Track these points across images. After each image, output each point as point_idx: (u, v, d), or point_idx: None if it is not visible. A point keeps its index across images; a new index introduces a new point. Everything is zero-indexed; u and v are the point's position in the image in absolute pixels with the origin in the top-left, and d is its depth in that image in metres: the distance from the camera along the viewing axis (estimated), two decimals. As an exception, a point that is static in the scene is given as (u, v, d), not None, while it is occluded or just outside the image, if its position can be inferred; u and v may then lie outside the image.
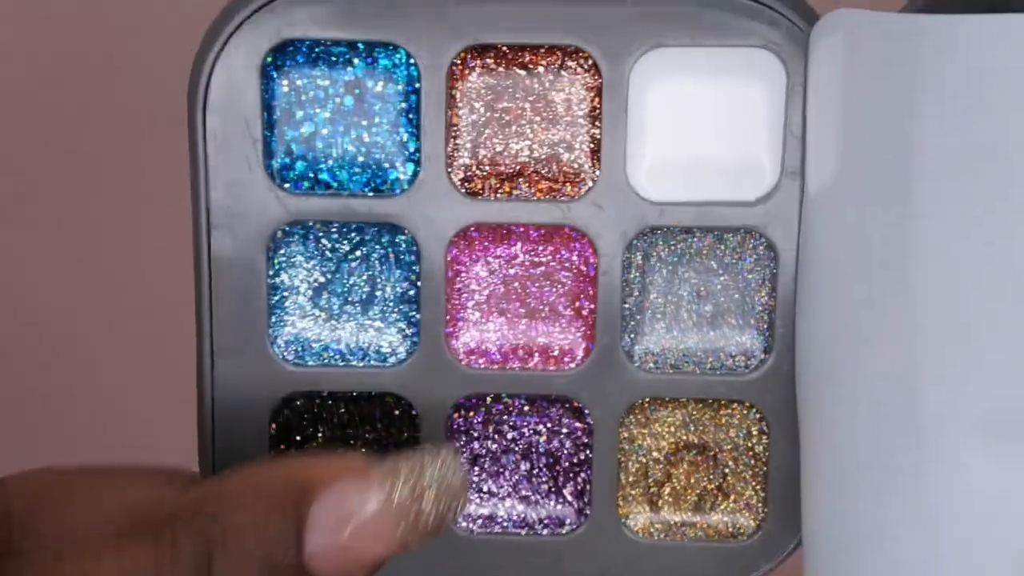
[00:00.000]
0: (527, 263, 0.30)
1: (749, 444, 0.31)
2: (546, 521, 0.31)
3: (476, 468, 0.31)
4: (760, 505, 0.31)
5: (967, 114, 0.24)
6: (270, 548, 0.25)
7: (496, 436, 0.31)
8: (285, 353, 0.30)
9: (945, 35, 0.24)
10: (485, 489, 0.31)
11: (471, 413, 0.31)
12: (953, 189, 0.25)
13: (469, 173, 0.29)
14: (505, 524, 0.31)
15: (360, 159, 0.29)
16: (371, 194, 0.29)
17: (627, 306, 0.30)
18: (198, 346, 0.30)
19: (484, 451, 0.31)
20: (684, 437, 0.31)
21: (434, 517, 0.26)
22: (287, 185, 0.29)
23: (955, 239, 0.25)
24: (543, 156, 0.29)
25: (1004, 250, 0.25)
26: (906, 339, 0.26)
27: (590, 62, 0.29)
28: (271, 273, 0.30)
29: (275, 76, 0.29)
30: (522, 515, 0.31)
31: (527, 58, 0.29)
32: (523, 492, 0.31)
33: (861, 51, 0.26)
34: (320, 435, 0.31)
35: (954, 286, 0.26)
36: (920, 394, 0.26)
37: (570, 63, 0.29)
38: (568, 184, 0.29)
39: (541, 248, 0.30)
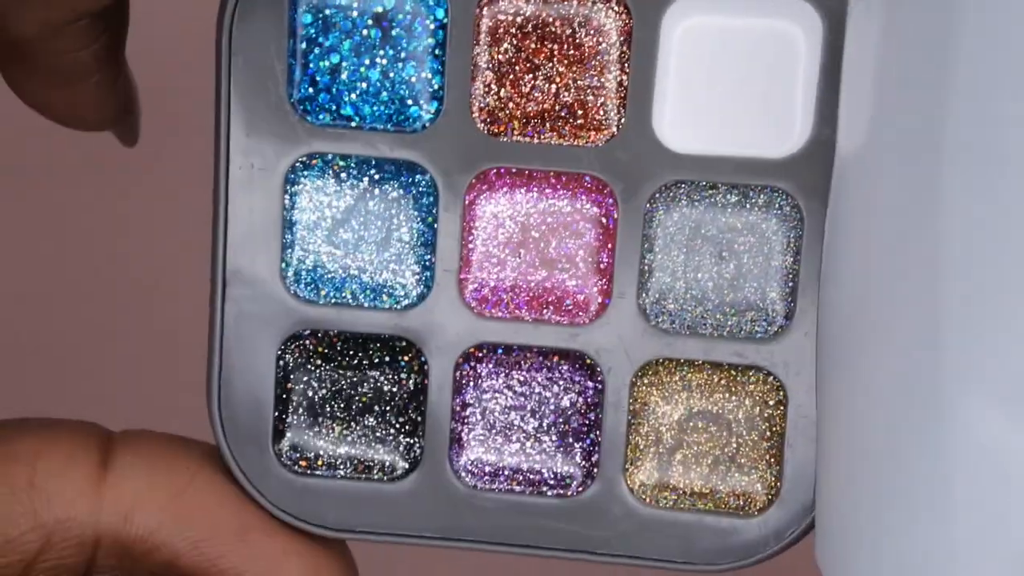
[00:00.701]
0: (547, 211, 0.29)
1: (766, 414, 0.30)
2: (552, 481, 0.30)
3: (483, 421, 0.30)
4: (773, 479, 0.30)
5: (1012, 31, 0.23)
6: None
7: (505, 390, 0.30)
8: (296, 288, 0.29)
9: None
10: (492, 444, 0.30)
11: (480, 364, 0.30)
12: (989, 128, 0.24)
13: (492, 114, 0.29)
14: (510, 482, 0.30)
15: (384, 94, 0.29)
16: (393, 130, 0.29)
17: (646, 261, 0.29)
18: (211, 274, 0.29)
19: (493, 404, 0.30)
20: (698, 403, 0.30)
21: None
22: (309, 116, 0.29)
23: (985, 195, 0.24)
24: (569, 100, 0.29)
25: None
26: (929, 305, 0.25)
27: (622, 4, 0.28)
28: (287, 205, 0.29)
29: (301, 4, 0.28)
30: (528, 473, 0.30)
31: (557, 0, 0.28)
32: (530, 450, 0.30)
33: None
34: (327, 375, 0.30)
35: (982, 247, 0.25)
36: (943, 362, 0.25)
37: (601, 3, 0.28)
38: (593, 131, 0.29)
39: (562, 195, 0.29)
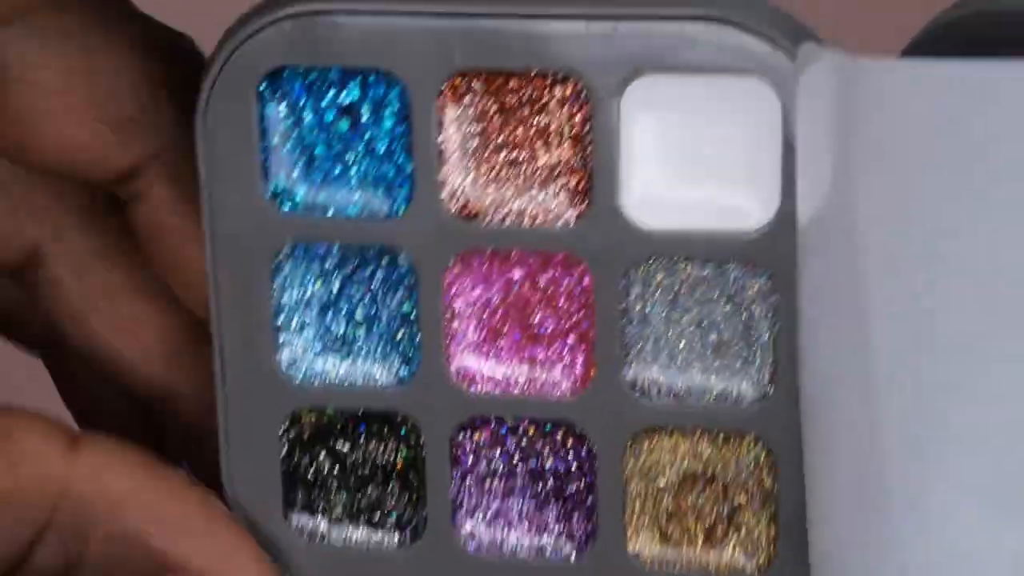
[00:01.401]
0: (527, 287, 0.30)
1: (758, 477, 0.30)
2: (553, 547, 0.31)
3: (481, 490, 0.31)
4: (771, 539, 0.30)
5: (900, 171, 0.23)
6: None
7: (502, 459, 0.31)
8: (291, 371, 0.30)
9: (878, 80, 0.23)
10: (492, 511, 0.31)
11: (476, 435, 0.30)
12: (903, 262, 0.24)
13: (464, 197, 0.29)
14: (512, 548, 0.31)
15: (356, 181, 0.29)
16: (367, 217, 0.29)
17: (628, 334, 0.29)
18: (214, 366, 0.30)
19: (490, 473, 0.31)
20: (691, 467, 0.30)
21: None
22: (286, 206, 0.29)
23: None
24: (537, 181, 0.29)
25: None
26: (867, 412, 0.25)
27: (581, 88, 0.28)
28: (275, 293, 0.30)
29: (271, 101, 0.29)
30: (529, 540, 0.31)
31: (518, 83, 0.28)
32: (530, 516, 0.31)
33: (824, 88, 0.25)
34: (329, 450, 0.31)
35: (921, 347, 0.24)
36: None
37: (560, 89, 0.28)
38: (564, 209, 0.29)
39: (540, 273, 0.29)
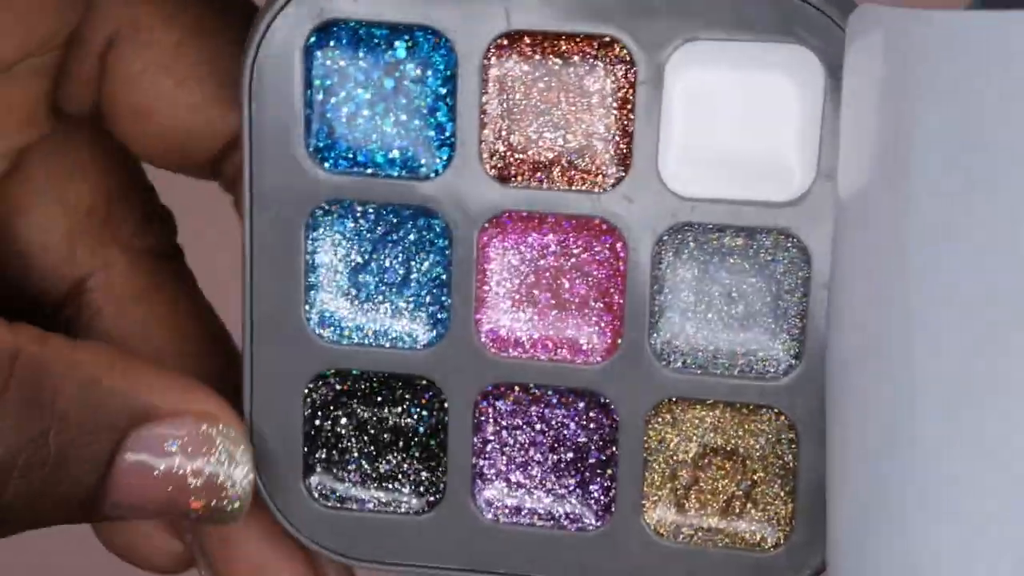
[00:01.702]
0: (559, 253, 0.30)
1: (779, 452, 0.30)
2: (572, 516, 0.31)
3: (504, 457, 0.31)
4: (788, 517, 0.30)
5: (966, 118, 0.23)
6: (81, 463, 0.26)
7: (524, 426, 0.31)
8: (320, 330, 0.30)
9: (951, 29, 0.23)
10: (512, 479, 0.31)
11: (499, 401, 0.31)
12: (948, 199, 0.24)
13: (502, 160, 0.29)
14: (531, 516, 0.31)
15: (398, 141, 0.30)
16: (406, 176, 0.30)
17: (657, 302, 0.30)
18: (242, 320, 0.30)
19: (512, 440, 0.31)
20: (713, 440, 0.30)
21: (220, 509, 0.28)
22: (326, 164, 0.30)
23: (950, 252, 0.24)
24: (576, 146, 0.29)
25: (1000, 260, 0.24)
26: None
27: (625, 52, 0.29)
28: (309, 250, 0.30)
29: (318, 56, 0.29)
30: (548, 508, 0.31)
31: (563, 46, 0.29)
32: (549, 485, 0.31)
33: (881, 48, 0.25)
34: (352, 413, 0.31)
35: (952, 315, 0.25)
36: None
37: (605, 52, 0.29)
38: (600, 175, 0.29)
39: (573, 239, 0.30)
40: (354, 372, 0.31)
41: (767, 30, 0.28)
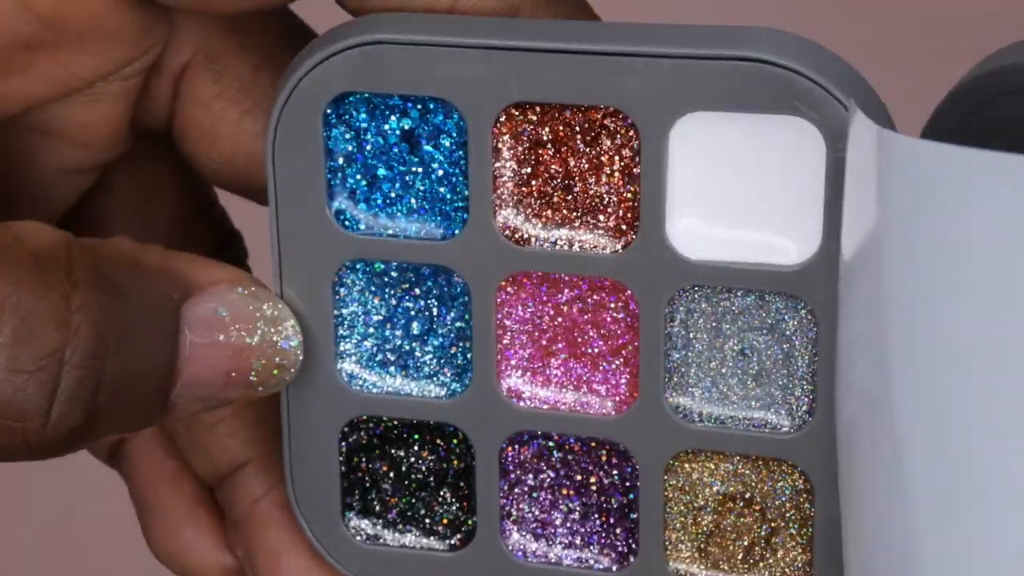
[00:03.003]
0: (574, 310, 0.31)
1: (796, 503, 0.31)
2: (595, 559, 0.32)
3: (529, 501, 0.32)
4: (807, 566, 0.31)
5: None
6: (151, 339, 0.28)
7: (548, 471, 0.32)
8: (351, 381, 0.32)
9: (907, 156, 0.24)
10: (538, 522, 0.32)
11: (524, 448, 0.32)
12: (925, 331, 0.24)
13: (515, 222, 0.30)
14: (556, 559, 0.32)
15: (414, 204, 0.31)
16: (424, 238, 0.30)
17: (671, 359, 0.30)
18: None
19: (536, 485, 0.32)
20: (731, 489, 0.31)
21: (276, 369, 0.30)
22: (347, 226, 0.31)
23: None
24: (587, 209, 0.30)
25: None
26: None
27: (631, 121, 0.29)
28: (337, 306, 0.31)
29: (336, 125, 0.30)
30: (573, 550, 0.32)
31: (569, 114, 0.29)
32: (574, 528, 0.32)
33: (864, 147, 0.26)
34: (384, 457, 0.32)
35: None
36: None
37: (610, 122, 0.29)
38: (611, 237, 0.30)
39: (587, 296, 0.30)
40: (385, 419, 0.32)
41: (767, 104, 0.28)
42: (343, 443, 0.32)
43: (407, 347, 0.32)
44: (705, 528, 0.31)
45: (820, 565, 0.30)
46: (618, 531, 0.32)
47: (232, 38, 0.31)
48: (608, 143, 0.29)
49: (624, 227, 0.30)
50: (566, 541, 0.32)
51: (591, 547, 0.32)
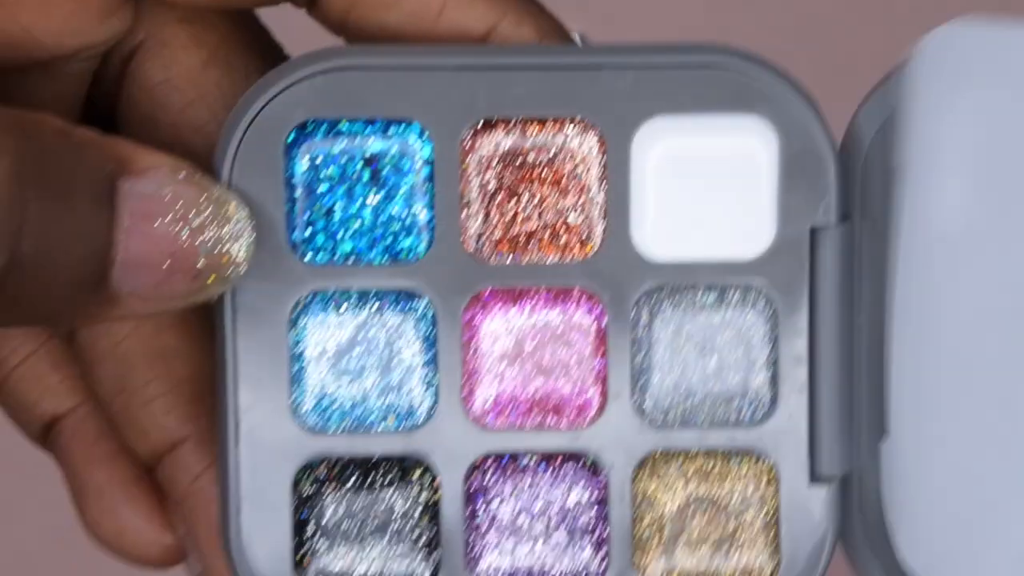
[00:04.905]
0: (540, 324, 0.31)
1: (758, 495, 0.32)
2: (567, 574, 0.32)
3: (496, 527, 0.32)
4: (772, 554, 0.32)
5: None
6: (85, 204, 0.27)
7: (514, 495, 0.32)
8: (306, 419, 0.31)
9: None
10: (505, 548, 0.32)
11: (488, 473, 0.32)
12: None
13: (481, 240, 0.31)
14: None
15: (378, 230, 0.31)
16: (388, 263, 0.31)
17: (637, 363, 0.31)
18: (221, 412, 0.31)
19: (503, 510, 0.32)
20: (695, 491, 0.32)
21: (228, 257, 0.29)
22: (308, 257, 0.31)
23: None
24: (552, 221, 0.31)
25: None
26: None
27: (594, 130, 0.30)
28: (292, 341, 0.31)
29: (296, 153, 0.30)
30: (543, 572, 0.32)
31: (534, 128, 0.31)
32: (542, 549, 0.32)
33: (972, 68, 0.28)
34: (341, 500, 0.32)
35: None
36: None
37: (574, 131, 0.31)
38: (577, 247, 0.31)
39: (553, 308, 0.31)
40: (342, 459, 0.31)
41: (726, 104, 0.30)
42: (295, 490, 0.31)
43: (367, 379, 0.31)
44: (673, 532, 0.32)
45: (787, 548, 0.32)
46: (588, 545, 0.32)
47: (187, 28, 0.31)
48: (573, 155, 0.31)
49: (591, 236, 0.31)
50: (535, 564, 0.32)
51: (562, 566, 0.32)
